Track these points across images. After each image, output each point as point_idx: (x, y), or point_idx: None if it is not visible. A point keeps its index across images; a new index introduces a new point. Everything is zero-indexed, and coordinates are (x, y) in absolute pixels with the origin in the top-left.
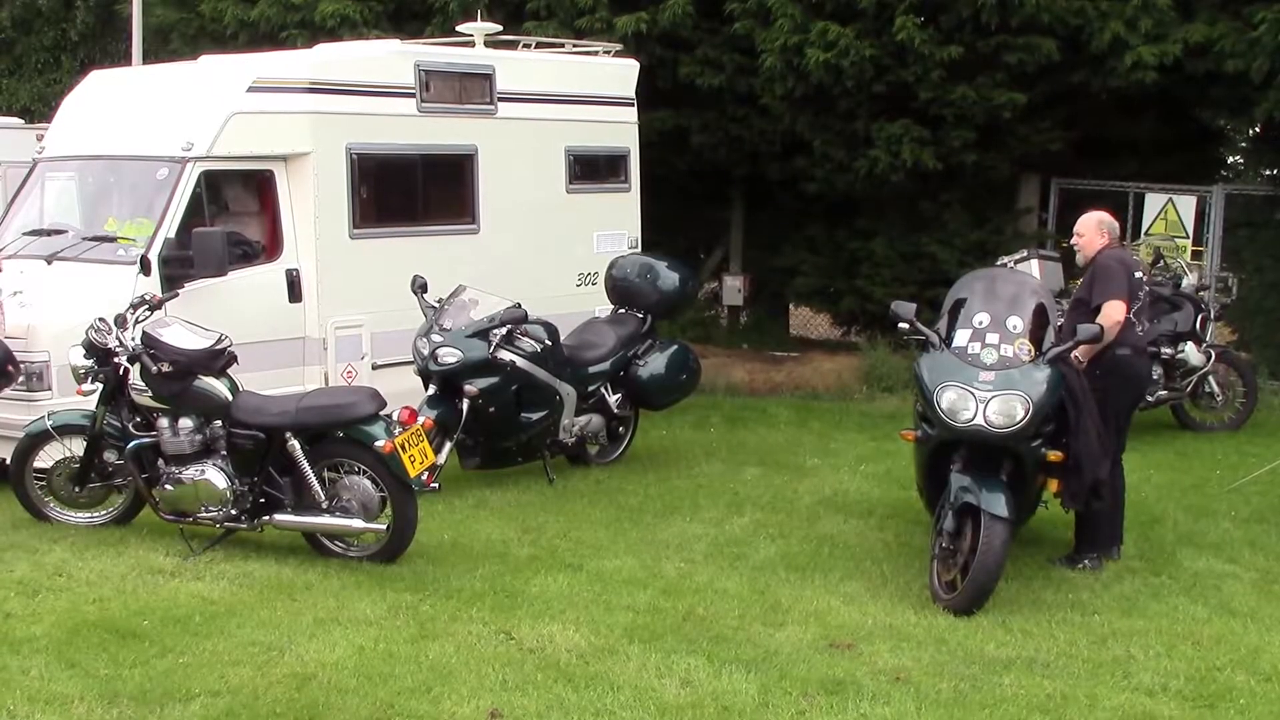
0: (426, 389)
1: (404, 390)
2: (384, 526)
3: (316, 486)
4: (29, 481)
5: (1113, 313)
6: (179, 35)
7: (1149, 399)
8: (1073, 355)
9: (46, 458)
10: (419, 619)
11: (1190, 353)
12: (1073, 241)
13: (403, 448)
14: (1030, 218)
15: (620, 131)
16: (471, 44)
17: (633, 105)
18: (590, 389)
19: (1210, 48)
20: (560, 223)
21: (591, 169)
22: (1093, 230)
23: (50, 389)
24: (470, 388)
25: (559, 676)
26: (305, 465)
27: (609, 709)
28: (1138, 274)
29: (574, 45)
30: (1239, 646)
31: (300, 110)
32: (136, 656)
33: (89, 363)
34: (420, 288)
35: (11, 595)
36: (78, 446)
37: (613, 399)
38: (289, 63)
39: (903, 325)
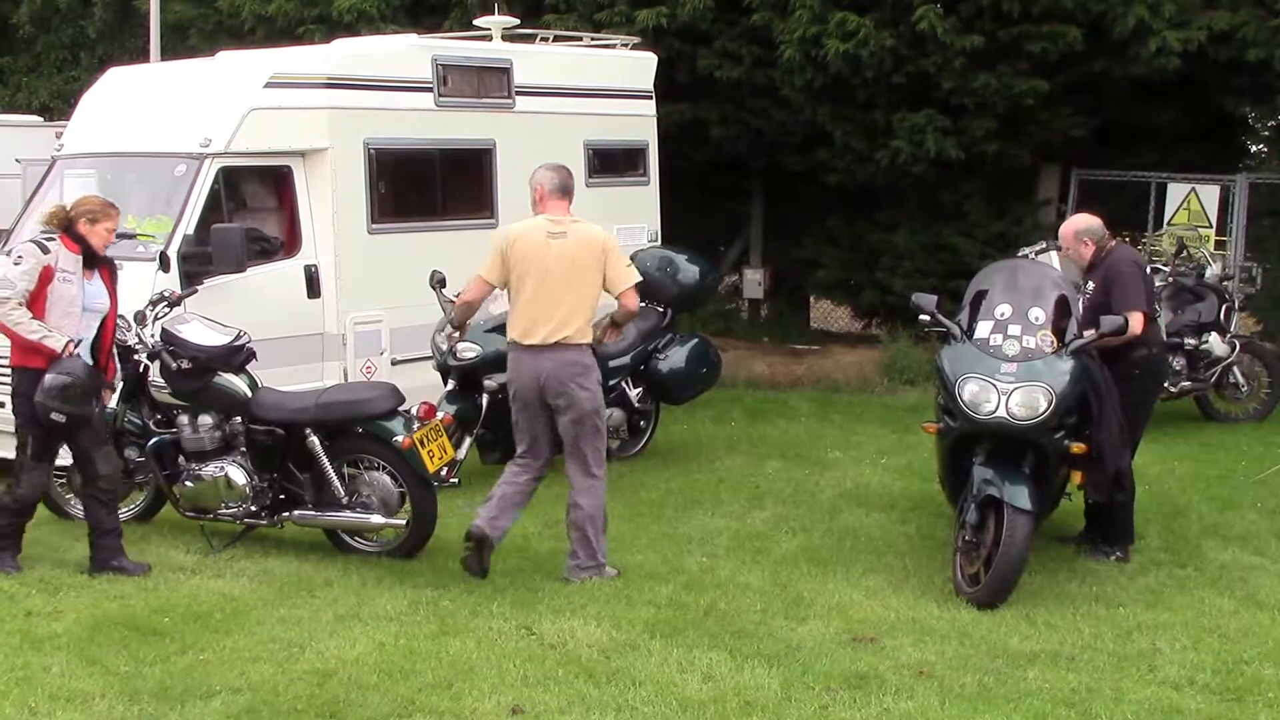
0: (446, 384)
1: (423, 385)
2: (404, 522)
3: (336, 482)
4: (50, 479)
5: (1133, 325)
6: (197, 31)
7: (1172, 390)
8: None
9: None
10: (439, 615)
11: (1214, 343)
12: (1054, 256)
13: (422, 443)
14: (1050, 209)
15: (639, 125)
16: (489, 38)
17: (651, 98)
18: (610, 383)
19: (1233, 35)
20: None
21: (610, 162)
22: (1073, 242)
23: None
24: (490, 383)
25: (580, 672)
26: (325, 461)
27: (630, 704)
28: (1150, 267)
29: (592, 39)
30: (1266, 639)
31: (318, 105)
32: (157, 653)
33: None
34: (439, 283)
35: (33, 593)
36: None
37: (633, 393)
38: (306, 58)
39: (924, 317)
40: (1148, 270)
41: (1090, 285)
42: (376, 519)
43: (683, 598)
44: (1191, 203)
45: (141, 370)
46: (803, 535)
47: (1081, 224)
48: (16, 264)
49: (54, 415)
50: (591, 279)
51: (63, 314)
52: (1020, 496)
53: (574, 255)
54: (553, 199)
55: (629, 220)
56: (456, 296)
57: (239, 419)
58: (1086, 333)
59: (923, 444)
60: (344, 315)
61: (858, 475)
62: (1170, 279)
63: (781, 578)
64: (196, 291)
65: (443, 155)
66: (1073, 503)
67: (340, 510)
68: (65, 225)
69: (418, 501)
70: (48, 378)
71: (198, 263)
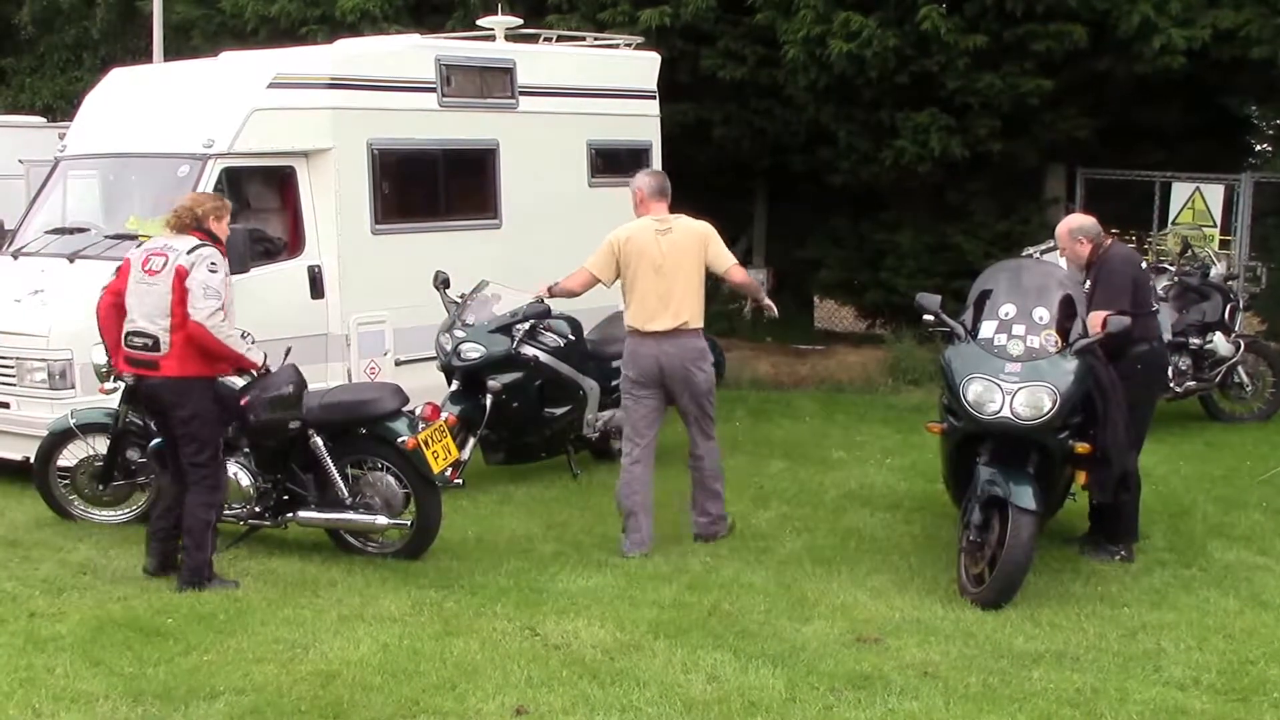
0: (450, 385)
1: (427, 386)
2: (408, 523)
3: (340, 483)
4: (53, 480)
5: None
6: (200, 32)
7: (1177, 390)
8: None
9: (70, 456)
10: (443, 615)
11: (1219, 343)
12: (1059, 256)
13: (426, 444)
14: (1057, 208)
15: (642, 125)
16: (492, 38)
17: (654, 98)
18: (614, 383)
19: (1237, 33)
20: (582, 217)
21: (613, 162)
22: (1068, 241)
23: (73, 387)
24: (494, 383)
25: (584, 673)
26: (328, 462)
27: (635, 705)
28: (1155, 267)
29: (595, 39)
30: (1271, 639)
31: (321, 106)
32: (161, 654)
33: (111, 361)
34: (442, 283)
35: (37, 594)
36: (101, 445)
37: None
38: (310, 58)
39: (928, 317)
40: (1143, 266)
41: (1089, 284)
42: (381, 520)
43: (687, 598)
44: (1196, 202)
45: None
46: (807, 535)
47: (1075, 223)
48: (213, 271)
49: (292, 425)
50: (699, 267)
51: (237, 317)
52: (1025, 497)
53: (682, 247)
54: (653, 200)
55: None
56: (461, 297)
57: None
58: (1091, 332)
59: (927, 444)
60: (348, 316)
61: (862, 475)
62: (1175, 278)
63: (786, 578)
64: None
65: (446, 155)
66: (1077, 503)
67: (344, 511)
68: (197, 225)
69: (422, 502)
70: (269, 393)
71: None
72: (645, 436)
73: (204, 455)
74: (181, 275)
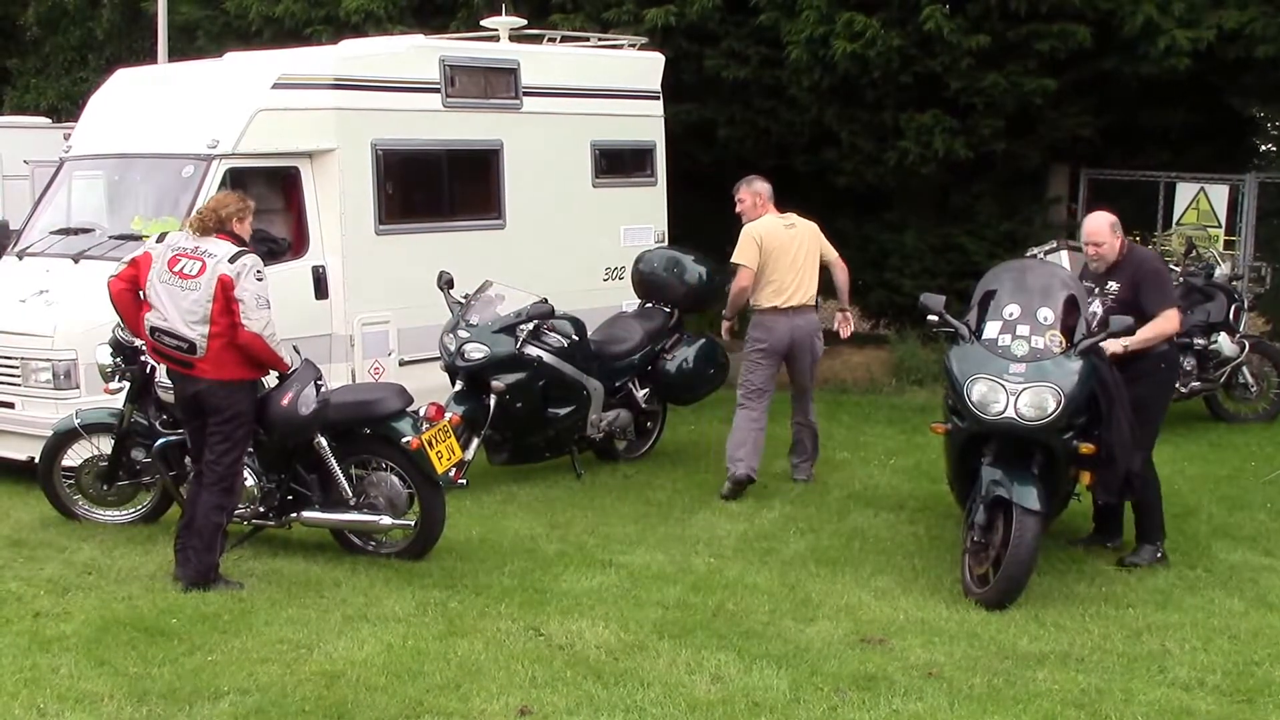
0: (453, 385)
1: (431, 386)
2: (412, 523)
3: (344, 483)
4: (58, 480)
5: (1168, 326)
6: (204, 32)
7: (1182, 390)
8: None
9: (75, 456)
10: (448, 616)
11: (1224, 343)
12: (1091, 252)
13: (430, 444)
14: (1060, 208)
15: (646, 125)
16: (496, 38)
17: (659, 99)
18: (618, 384)
19: (1242, 33)
20: (586, 217)
21: (617, 163)
22: (1109, 234)
23: (78, 388)
24: (497, 383)
25: (588, 673)
26: (332, 462)
27: (639, 705)
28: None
29: (599, 39)
30: (1277, 640)
31: (325, 106)
32: (165, 654)
33: (116, 361)
34: (446, 283)
35: (41, 593)
36: (106, 445)
37: (640, 394)
38: (314, 59)
39: (932, 317)
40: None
41: (1111, 285)
42: (385, 520)
43: (691, 599)
44: (1200, 202)
45: (148, 371)
46: (811, 536)
47: (1110, 216)
48: (260, 279)
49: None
50: (818, 256)
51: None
52: (1029, 497)
53: (807, 241)
54: (770, 203)
55: (636, 221)
56: (465, 297)
57: None
58: (1116, 334)
59: (931, 444)
60: (352, 316)
61: (866, 476)
62: (1180, 279)
63: (790, 578)
64: None
65: (450, 156)
66: (1081, 504)
67: (348, 511)
68: (220, 227)
69: (426, 503)
70: (309, 393)
71: None
72: (765, 396)
73: (231, 456)
74: (227, 285)
